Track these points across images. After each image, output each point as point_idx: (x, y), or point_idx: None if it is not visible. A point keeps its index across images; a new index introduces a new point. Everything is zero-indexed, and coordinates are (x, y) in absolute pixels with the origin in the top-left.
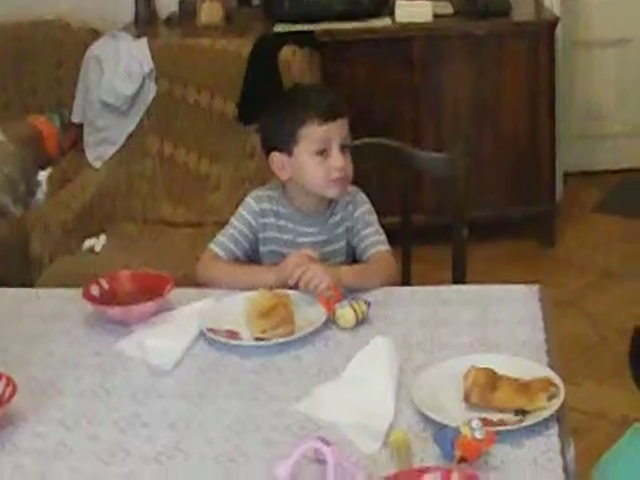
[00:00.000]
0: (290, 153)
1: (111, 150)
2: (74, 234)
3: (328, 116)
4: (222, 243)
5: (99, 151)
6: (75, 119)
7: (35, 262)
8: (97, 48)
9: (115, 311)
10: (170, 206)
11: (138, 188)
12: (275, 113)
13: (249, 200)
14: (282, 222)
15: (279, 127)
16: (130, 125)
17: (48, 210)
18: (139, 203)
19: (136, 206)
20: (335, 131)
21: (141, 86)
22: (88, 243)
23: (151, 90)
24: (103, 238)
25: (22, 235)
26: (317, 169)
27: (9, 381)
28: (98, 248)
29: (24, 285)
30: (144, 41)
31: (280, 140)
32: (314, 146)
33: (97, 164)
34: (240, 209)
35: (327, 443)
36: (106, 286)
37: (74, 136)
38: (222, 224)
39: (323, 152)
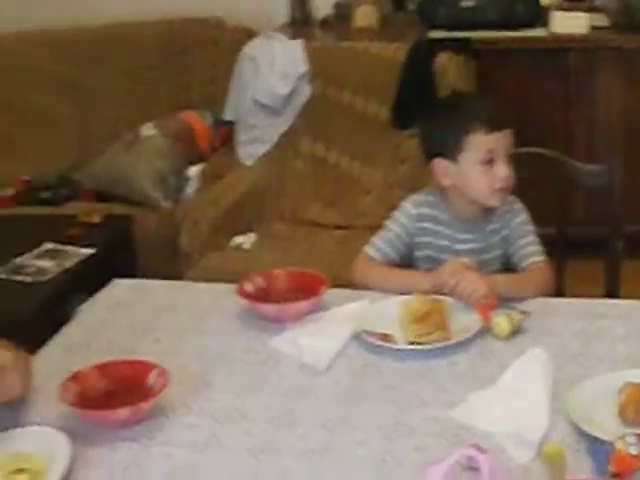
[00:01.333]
0: (454, 160)
1: (263, 149)
2: (223, 231)
3: (496, 126)
4: (378, 246)
5: (251, 149)
6: (228, 117)
7: (183, 256)
8: (252, 48)
9: (270, 308)
10: (320, 207)
11: (288, 188)
12: (438, 119)
13: (407, 204)
14: (439, 228)
15: (443, 133)
16: (283, 125)
17: (198, 206)
18: (289, 203)
19: (286, 206)
20: (501, 141)
21: (295, 87)
22: (237, 240)
23: (305, 91)
24: (252, 236)
25: (171, 229)
26: (482, 178)
27: (162, 372)
28: (247, 246)
29: (171, 278)
30: (299, 42)
31: (444, 146)
32: (480, 155)
33: (248, 162)
34: (397, 213)
35: (482, 451)
36: (261, 283)
37: (225, 133)
38: (372, 228)
39: (488, 161)
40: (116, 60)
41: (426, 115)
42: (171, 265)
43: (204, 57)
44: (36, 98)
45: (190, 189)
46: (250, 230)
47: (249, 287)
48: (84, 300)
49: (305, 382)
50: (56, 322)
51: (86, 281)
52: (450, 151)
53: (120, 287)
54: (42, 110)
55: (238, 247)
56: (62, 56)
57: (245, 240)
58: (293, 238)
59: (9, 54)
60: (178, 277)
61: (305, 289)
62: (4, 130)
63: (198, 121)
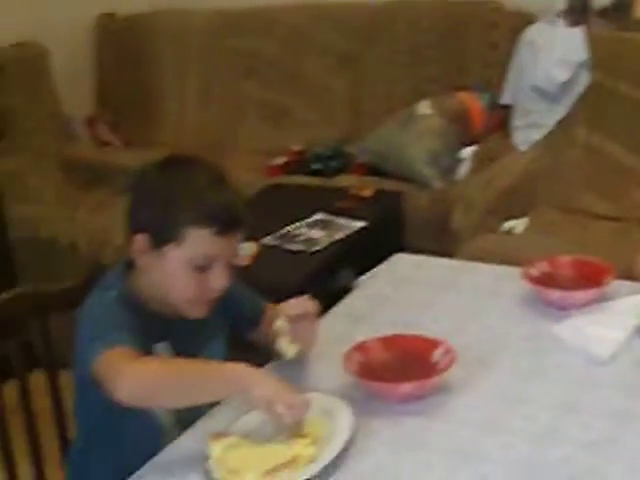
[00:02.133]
0: None
1: (538, 135)
2: (495, 214)
3: None
4: None
5: (526, 135)
6: (504, 101)
7: (453, 236)
8: (533, 33)
9: (555, 294)
10: (593, 197)
11: (562, 176)
12: None
13: None
14: None
15: None
16: (560, 112)
17: (471, 187)
18: (562, 191)
19: (558, 193)
20: None
21: (574, 74)
22: (508, 224)
23: (584, 79)
24: (524, 221)
25: (442, 208)
26: None
27: (449, 350)
28: (518, 230)
29: (439, 257)
30: (580, 30)
31: None
32: None
33: (523, 147)
34: None
35: None
36: (545, 268)
37: (500, 117)
38: None
39: None
40: (393, 37)
41: None
42: (439, 244)
43: (482, 39)
44: (311, 70)
45: (462, 170)
46: (522, 215)
47: (534, 271)
48: (352, 272)
49: (588, 371)
50: (324, 292)
51: (355, 254)
52: None
53: (402, 262)
54: (317, 82)
55: (509, 231)
56: (339, 29)
57: (517, 225)
58: (564, 226)
59: (286, 26)
60: (446, 257)
61: (588, 277)
62: (279, 100)
63: (474, 103)
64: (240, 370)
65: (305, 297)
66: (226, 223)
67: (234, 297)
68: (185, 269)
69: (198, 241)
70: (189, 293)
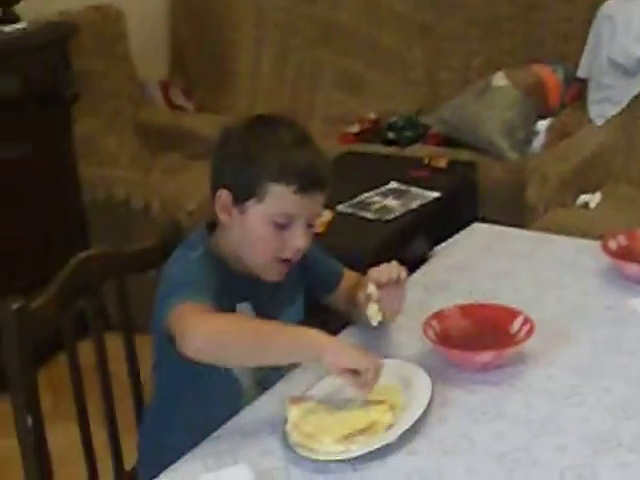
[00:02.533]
0: None
1: (614, 109)
2: (570, 187)
3: None
4: None
5: (602, 109)
6: (581, 74)
7: (527, 208)
8: (611, 7)
9: (633, 268)
10: None
11: (637, 151)
12: None
13: None
14: None
15: None
16: (636, 87)
17: (546, 160)
18: (637, 166)
19: (633, 168)
20: None
21: None
22: (583, 198)
23: None
24: (598, 195)
25: (518, 180)
26: None
27: (527, 320)
28: (592, 205)
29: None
30: None
31: None
32: None
33: (598, 122)
34: None
35: None
36: (624, 242)
37: (576, 91)
38: None
39: None
40: (471, 8)
41: None
42: (512, 216)
43: (559, 12)
44: (387, 39)
45: (537, 143)
46: (596, 189)
47: (613, 244)
48: (425, 242)
49: None
50: (398, 261)
51: (428, 224)
52: None
53: (480, 231)
54: (393, 51)
55: (584, 205)
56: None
57: (591, 199)
58: (639, 201)
59: None
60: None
61: None
62: (355, 69)
63: (550, 76)
64: (315, 336)
65: (394, 263)
66: (308, 181)
67: (312, 260)
68: (265, 226)
69: (279, 197)
70: (268, 252)
